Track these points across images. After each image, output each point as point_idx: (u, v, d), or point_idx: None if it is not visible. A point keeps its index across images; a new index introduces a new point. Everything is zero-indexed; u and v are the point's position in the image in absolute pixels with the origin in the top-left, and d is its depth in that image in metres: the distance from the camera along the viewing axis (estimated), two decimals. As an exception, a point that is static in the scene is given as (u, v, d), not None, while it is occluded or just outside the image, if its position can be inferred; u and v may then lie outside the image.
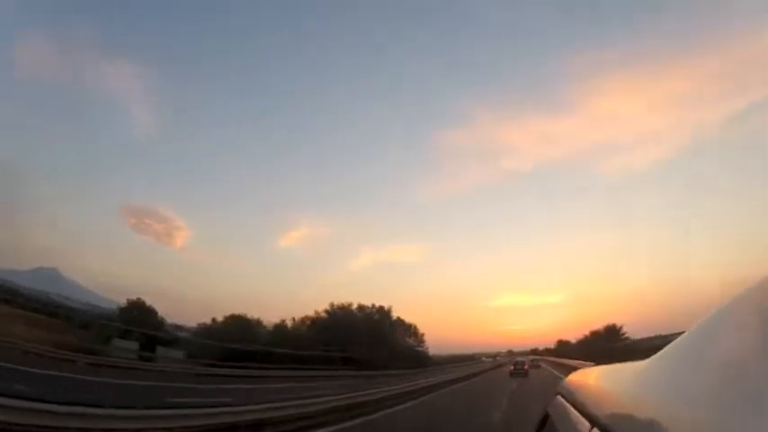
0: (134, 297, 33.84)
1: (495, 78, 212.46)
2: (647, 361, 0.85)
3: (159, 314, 34.36)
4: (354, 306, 49.01)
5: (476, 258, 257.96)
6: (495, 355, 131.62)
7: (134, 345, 26.24)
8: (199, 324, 39.95)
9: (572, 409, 1.12)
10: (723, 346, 0.55)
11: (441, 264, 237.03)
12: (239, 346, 30.71)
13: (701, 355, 0.61)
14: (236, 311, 40.26)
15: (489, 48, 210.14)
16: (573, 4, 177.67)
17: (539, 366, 49.42)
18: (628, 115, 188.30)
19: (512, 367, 39.55)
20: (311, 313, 47.00)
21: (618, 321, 64.43)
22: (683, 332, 0.76)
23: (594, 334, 65.93)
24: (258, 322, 41.19)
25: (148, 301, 34.03)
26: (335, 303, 48.06)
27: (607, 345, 52.57)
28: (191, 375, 22.79)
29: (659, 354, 0.81)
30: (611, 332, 62.04)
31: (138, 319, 29.93)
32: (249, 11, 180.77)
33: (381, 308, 50.67)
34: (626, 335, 62.25)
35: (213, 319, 39.79)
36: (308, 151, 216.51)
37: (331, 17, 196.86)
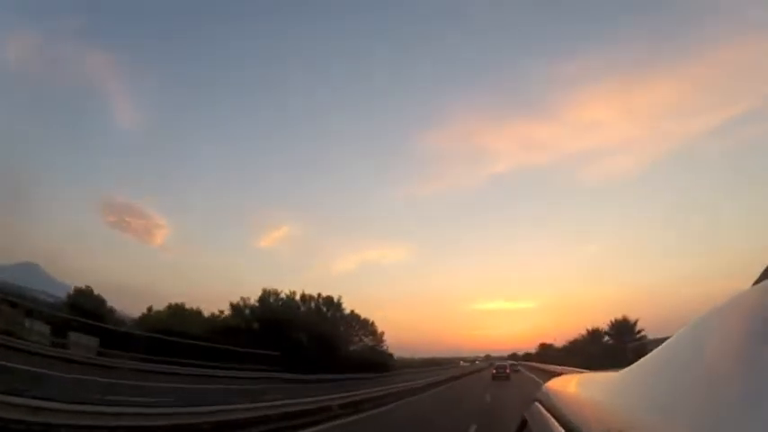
0: (83, 286, 33.53)
1: (480, 82, 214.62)
2: (625, 370, 0.87)
3: (109, 304, 33.72)
4: (298, 296, 40.12)
5: (456, 261, 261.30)
6: (473, 360, 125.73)
7: (46, 328, 25.52)
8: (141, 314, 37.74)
9: (549, 415, 1.12)
10: (697, 358, 0.57)
11: (421, 266, 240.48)
12: (161, 336, 27.39)
13: (677, 366, 0.62)
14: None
15: (474, 50, 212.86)
16: (560, 10, 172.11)
17: (518, 371, 49.66)
18: (610, 122, 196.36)
19: (494, 371, 41.54)
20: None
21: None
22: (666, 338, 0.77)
23: (593, 333, 54.34)
24: (198, 312, 38.33)
25: (99, 291, 33.43)
26: (268, 288, 39.81)
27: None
28: (88, 365, 20.33)
29: (637, 363, 0.83)
30: (623, 329, 49.12)
31: (84, 308, 28.57)
32: (231, 5, 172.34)
33: (330, 299, 41.76)
34: (642, 333, 49.47)
35: (149, 308, 37.67)
36: (291, 150, 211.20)
37: (312, 15, 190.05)
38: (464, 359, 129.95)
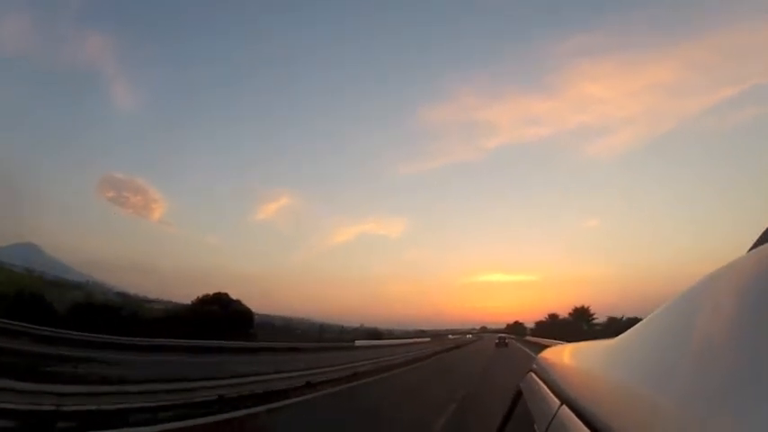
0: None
1: (481, 56, 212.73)
2: (617, 339, 0.85)
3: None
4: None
5: (455, 235, 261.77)
6: (465, 333, 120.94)
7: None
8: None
9: (543, 385, 1.14)
10: (691, 325, 0.56)
11: (420, 239, 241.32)
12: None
13: (671, 333, 0.62)
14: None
15: (476, 25, 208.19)
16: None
17: (506, 345, 53.98)
18: (610, 99, 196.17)
19: (497, 340, 56.56)
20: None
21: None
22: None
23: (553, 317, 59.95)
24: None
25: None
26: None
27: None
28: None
29: (629, 331, 0.82)
30: (580, 315, 53.33)
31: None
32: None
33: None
34: (595, 318, 56.58)
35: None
36: (289, 123, 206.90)
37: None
38: (454, 332, 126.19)
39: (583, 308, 54.78)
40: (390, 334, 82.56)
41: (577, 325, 52.87)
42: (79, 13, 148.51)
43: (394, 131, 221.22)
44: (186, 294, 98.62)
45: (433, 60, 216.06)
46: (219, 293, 37.71)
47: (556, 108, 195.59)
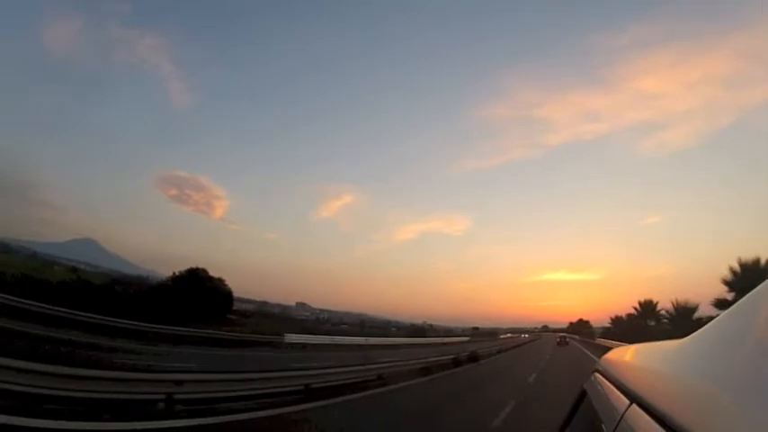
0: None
1: (537, 53, 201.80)
2: (686, 339, 0.85)
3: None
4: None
5: (517, 233, 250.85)
6: (521, 333, 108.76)
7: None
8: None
9: (610, 385, 1.12)
10: (762, 325, 0.56)
11: (482, 237, 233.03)
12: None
13: (741, 333, 0.61)
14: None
15: (532, 21, 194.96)
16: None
17: (567, 344, 54.80)
18: (668, 94, 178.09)
19: (558, 339, 59.88)
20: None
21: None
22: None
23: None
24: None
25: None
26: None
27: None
28: None
29: (699, 332, 0.81)
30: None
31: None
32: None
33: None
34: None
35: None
36: (353, 124, 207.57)
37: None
38: (515, 330, 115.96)
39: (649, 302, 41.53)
40: (435, 331, 78.55)
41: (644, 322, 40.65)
42: (137, 15, 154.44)
43: (455, 129, 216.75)
44: (246, 289, 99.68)
45: (491, 59, 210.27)
46: (197, 269, 31.56)
47: (613, 103, 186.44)
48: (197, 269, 31.24)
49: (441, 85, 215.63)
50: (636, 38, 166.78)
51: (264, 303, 65.52)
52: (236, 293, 35.25)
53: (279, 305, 70.90)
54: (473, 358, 24.62)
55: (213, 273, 32.36)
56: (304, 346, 29.01)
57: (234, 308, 35.62)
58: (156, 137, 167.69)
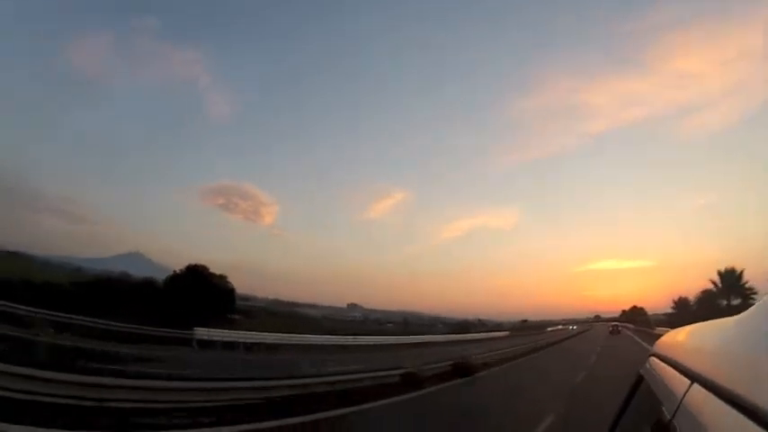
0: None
1: (575, 39, 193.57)
2: (743, 315, 0.84)
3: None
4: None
5: (563, 223, 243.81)
6: (568, 325, 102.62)
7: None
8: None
9: (668, 368, 1.12)
10: None
11: (528, 229, 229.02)
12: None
13: None
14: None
15: (570, 7, 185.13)
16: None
17: (619, 332, 55.48)
18: (706, 73, 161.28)
19: (610, 328, 62.30)
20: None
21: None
22: None
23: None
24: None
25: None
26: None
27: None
28: None
29: (754, 307, 0.80)
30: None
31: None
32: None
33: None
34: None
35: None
36: (397, 122, 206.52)
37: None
38: (566, 322, 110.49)
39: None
40: (484, 326, 77.87)
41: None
42: (171, 29, 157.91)
43: (497, 122, 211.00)
44: (297, 294, 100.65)
45: (531, 51, 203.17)
46: (196, 266, 29.54)
47: (653, 85, 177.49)
48: (197, 266, 29.24)
49: (480, 78, 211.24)
50: (670, 16, 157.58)
51: (313, 306, 68.43)
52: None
53: (330, 307, 74.17)
54: (466, 369, 16.57)
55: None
56: (249, 347, 23.33)
57: (236, 306, 33.51)
58: (198, 148, 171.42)
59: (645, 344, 31.16)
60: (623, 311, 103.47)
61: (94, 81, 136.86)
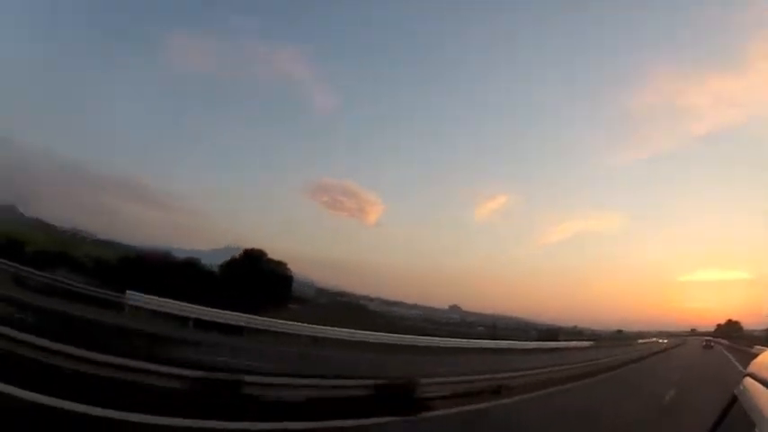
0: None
1: (674, 35, 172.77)
2: None
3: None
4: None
5: (665, 229, 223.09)
6: (660, 336, 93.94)
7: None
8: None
9: (765, 389, 1.09)
10: None
11: (629, 234, 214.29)
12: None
13: None
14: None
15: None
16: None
17: (712, 347, 56.50)
18: None
19: (704, 343, 62.95)
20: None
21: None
22: None
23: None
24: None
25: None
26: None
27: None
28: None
29: None
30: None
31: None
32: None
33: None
34: None
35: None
36: (499, 123, 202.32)
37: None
38: (652, 335, 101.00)
39: None
40: (580, 334, 74.41)
41: None
42: (271, 28, 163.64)
43: (603, 122, 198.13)
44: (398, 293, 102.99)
45: (636, 49, 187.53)
46: (253, 250, 29.39)
47: (758, 86, 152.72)
48: (252, 250, 29.11)
49: (585, 80, 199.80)
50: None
51: (415, 306, 70.28)
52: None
53: (430, 308, 74.93)
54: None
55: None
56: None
57: (294, 295, 33.24)
58: (304, 145, 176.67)
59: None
60: (718, 326, 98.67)
61: (194, 81, 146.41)
